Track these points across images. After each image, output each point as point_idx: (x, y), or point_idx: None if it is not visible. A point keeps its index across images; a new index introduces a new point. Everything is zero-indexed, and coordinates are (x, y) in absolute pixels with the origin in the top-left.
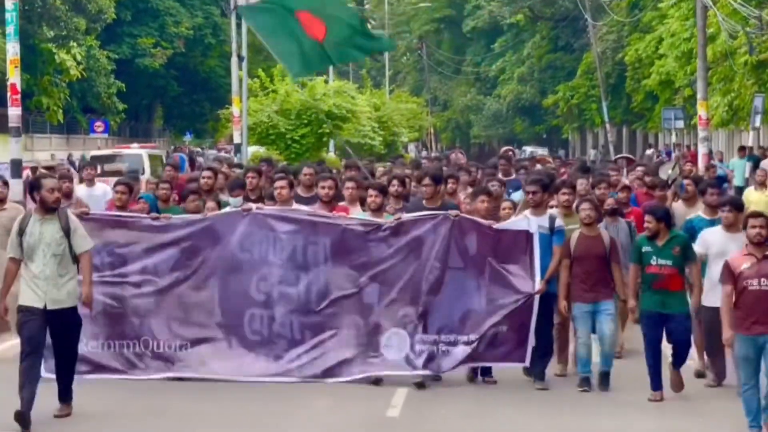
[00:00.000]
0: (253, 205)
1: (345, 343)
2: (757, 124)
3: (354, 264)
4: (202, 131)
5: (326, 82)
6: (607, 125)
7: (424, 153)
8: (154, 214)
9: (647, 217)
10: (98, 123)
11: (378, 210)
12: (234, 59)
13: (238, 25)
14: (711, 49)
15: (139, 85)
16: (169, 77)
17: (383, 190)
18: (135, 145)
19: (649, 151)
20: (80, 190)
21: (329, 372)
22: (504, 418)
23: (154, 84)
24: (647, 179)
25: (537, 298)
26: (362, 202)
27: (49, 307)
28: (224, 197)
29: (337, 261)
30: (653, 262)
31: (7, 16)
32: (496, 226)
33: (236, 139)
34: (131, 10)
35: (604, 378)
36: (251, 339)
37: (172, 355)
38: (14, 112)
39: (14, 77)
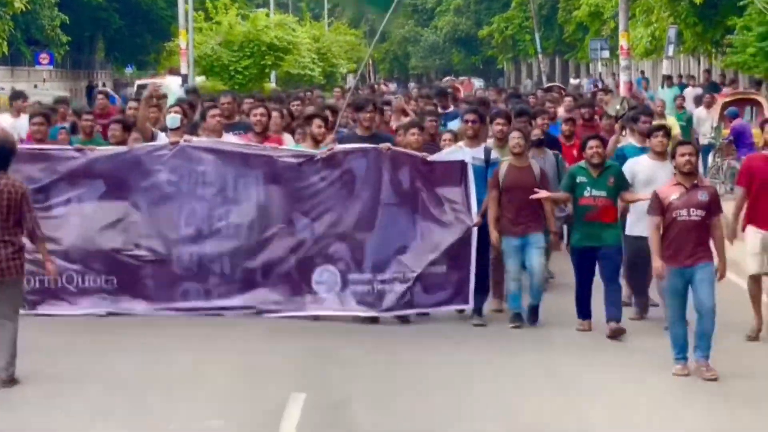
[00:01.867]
0: (181, 138)
1: (276, 279)
2: (671, 53)
3: (286, 197)
4: (144, 63)
5: (267, 15)
6: (540, 56)
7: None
8: (78, 146)
9: (593, 143)
10: (43, 55)
11: (318, 141)
12: None
13: None
14: None
15: (82, 18)
16: (111, 10)
17: (326, 118)
18: None
19: (574, 81)
20: (5, 120)
21: (261, 308)
22: (438, 357)
23: (97, 17)
24: (584, 111)
25: (475, 232)
26: (293, 134)
27: None
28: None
29: (268, 194)
30: (587, 193)
31: None
32: (430, 158)
33: (183, 71)
34: None
35: (533, 311)
36: (180, 274)
37: (99, 290)
38: None
39: None
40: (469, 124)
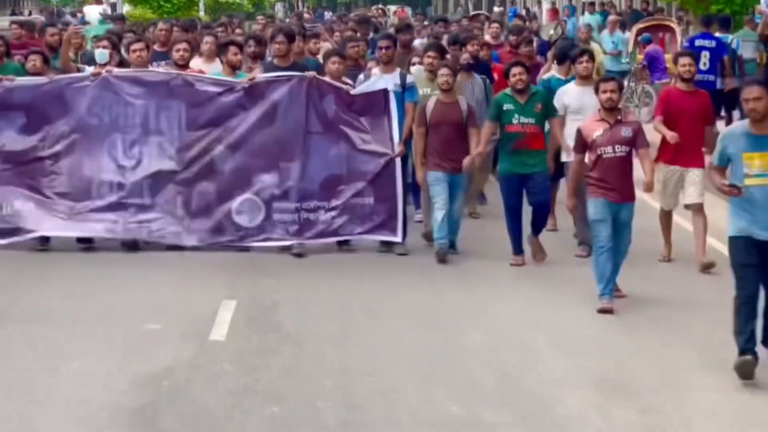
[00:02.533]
0: (102, 69)
1: (198, 209)
2: None
3: (208, 127)
4: None
5: None
6: None
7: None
8: None
9: (517, 69)
10: None
11: (235, 68)
12: None
13: None
14: None
15: None
16: None
17: (241, 45)
18: None
19: (497, 8)
20: None
21: (180, 236)
22: (361, 278)
23: None
24: (511, 38)
25: (398, 162)
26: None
27: None
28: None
29: (190, 124)
30: (515, 121)
31: None
32: (353, 92)
33: None
34: None
35: (452, 246)
36: (101, 204)
37: (16, 218)
38: None
39: None
40: (383, 50)
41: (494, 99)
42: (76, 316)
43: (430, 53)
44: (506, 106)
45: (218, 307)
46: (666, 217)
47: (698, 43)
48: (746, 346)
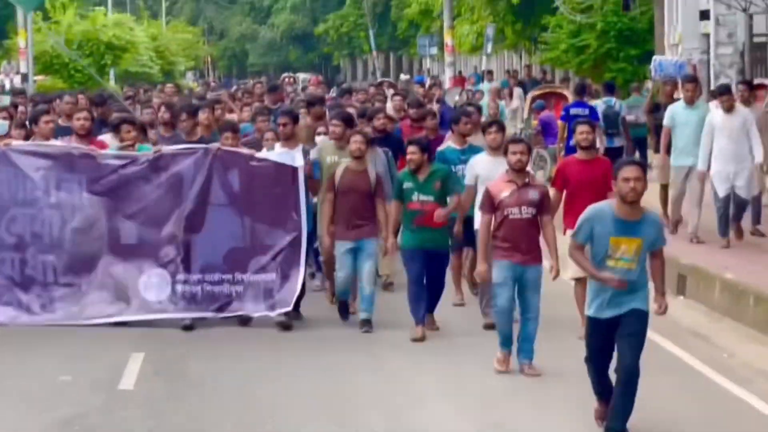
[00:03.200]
0: (1, 141)
1: (101, 285)
2: (489, 50)
3: (111, 201)
4: None
5: (105, 14)
6: (374, 52)
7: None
8: None
9: (411, 149)
10: None
11: (133, 145)
12: None
13: None
14: None
15: None
16: None
17: (134, 123)
18: None
19: (404, 76)
20: None
21: (83, 313)
22: (254, 363)
23: None
24: (412, 112)
25: (304, 237)
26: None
27: None
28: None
29: (92, 198)
30: (414, 198)
31: None
32: (259, 155)
33: (23, 69)
34: None
35: (366, 323)
36: (1, 284)
37: None
38: None
39: None
40: (281, 128)
41: (397, 177)
42: None
43: (336, 122)
44: (406, 185)
45: (127, 358)
46: (579, 287)
47: (573, 111)
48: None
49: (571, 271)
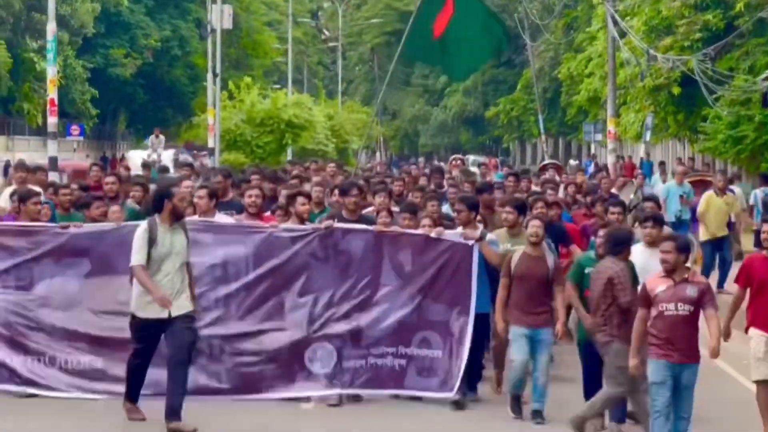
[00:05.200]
0: None
1: (268, 360)
2: (648, 138)
3: (280, 275)
4: (165, 135)
5: (286, 94)
6: (543, 136)
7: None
8: (63, 223)
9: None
10: (74, 127)
11: (302, 219)
12: (209, 75)
13: (213, 44)
14: (623, 72)
15: (109, 92)
16: (136, 85)
17: (309, 197)
18: None
19: (573, 162)
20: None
21: (251, 388)
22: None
23: (123, 91)
24: (578, 197)
25: (471, 319)
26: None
27: (174, 314)
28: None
29: (261, 273)
30: None
31: (48, 45)
32: (433, 234)
33: (210, 144)
34: (105, 23)
35: (537, 414)
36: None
37: (84, 373)
38: (52, 120)
39: (53, 93)
40: (457, 215)
41: (576, 260)
42: None
43: (509, 209)
44: (588, 270)
45: None
46: (763, 391)
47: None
48: None
49: (756, 371)
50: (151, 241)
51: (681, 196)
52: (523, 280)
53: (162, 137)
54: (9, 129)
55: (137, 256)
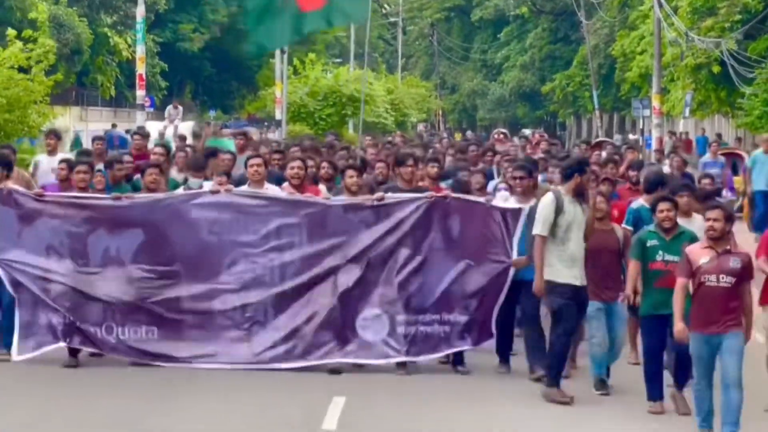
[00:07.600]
0: (221, 186)
1: (321, 327)
2: (687, 114)
3: (332, 245)
4: (229, 107)
5: (348, 70)
6: (597, 111)
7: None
8: (115, 194)
9: (665, 206)
10: (146, 98)
11: (352, 192)
12: (277, 52)
13: None
14: (669, 51)
15: (177, 66)
16: (203, 59)
17: (361, 171)
18: None
19: (632, 137)
20: (43, 160)
21: (306, 355)
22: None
23: (190, 65)
24: (631, 173)
25: (509, 280)
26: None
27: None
28: (176, 175)
29: (313, 242)
30: (659, 258)
31: (137, 26)
32: (485, 200)
33: (277, 116)
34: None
35: (607, 372)
36: (223, 324)
37: (140, 343)
38: (140, 93)
39: (141, 69)
40: (516, 181)
41: (637, 235)
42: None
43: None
44: (650, 243)
45: (329, 402)
46: None
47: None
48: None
49: None
50: (558, 211)
51: None
52: (597, 254)
53: (180, 108)
54: (83, 100)
55: (541, 225)
